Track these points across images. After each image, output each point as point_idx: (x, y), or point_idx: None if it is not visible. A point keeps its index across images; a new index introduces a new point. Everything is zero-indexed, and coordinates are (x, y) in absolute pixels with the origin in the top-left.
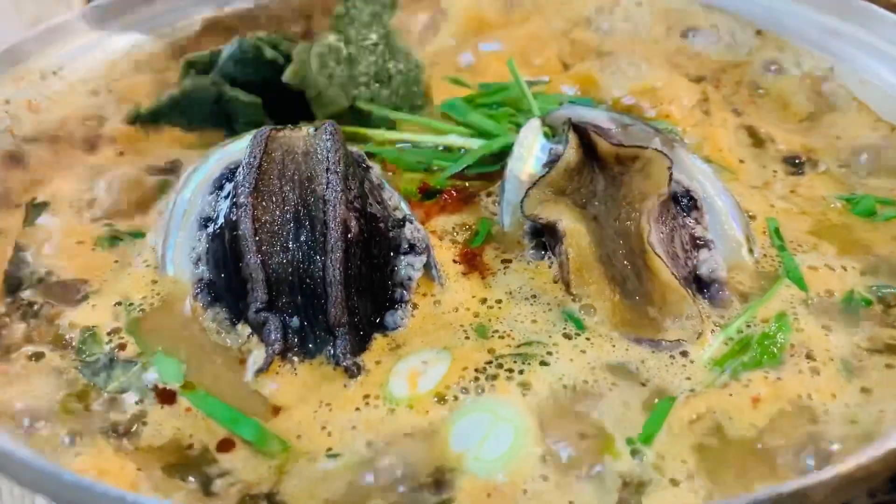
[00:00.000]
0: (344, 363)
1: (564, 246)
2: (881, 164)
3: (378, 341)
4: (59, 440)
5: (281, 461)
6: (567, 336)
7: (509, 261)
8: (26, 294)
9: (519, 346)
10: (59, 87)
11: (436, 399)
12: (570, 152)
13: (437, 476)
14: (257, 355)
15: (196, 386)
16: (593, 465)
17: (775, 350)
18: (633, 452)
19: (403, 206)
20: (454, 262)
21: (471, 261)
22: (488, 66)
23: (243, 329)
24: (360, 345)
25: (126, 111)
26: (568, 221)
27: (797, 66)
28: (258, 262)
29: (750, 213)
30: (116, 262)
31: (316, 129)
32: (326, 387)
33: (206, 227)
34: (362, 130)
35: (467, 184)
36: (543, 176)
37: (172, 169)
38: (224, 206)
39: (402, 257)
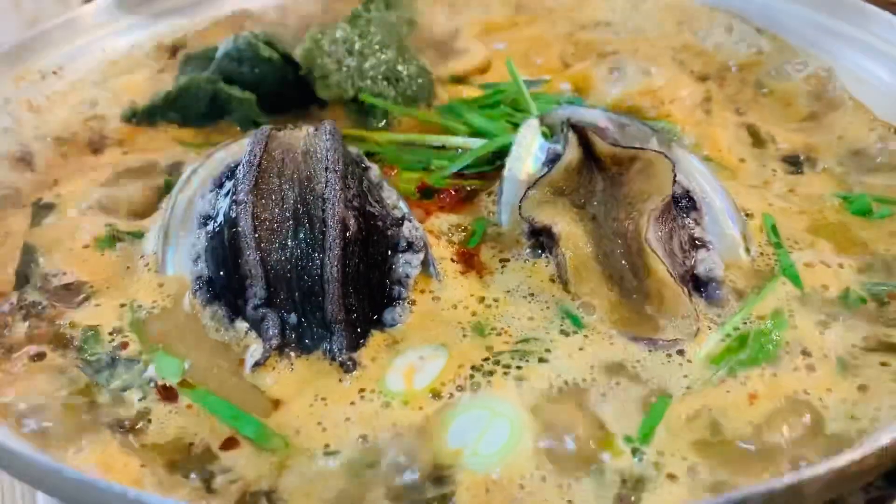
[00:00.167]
0: (339, 358)
1: (560, 248)
2: (880, 163)
3: (375, 338)
4: (62, 438)
5: (281, 458)
6: (565, 333)
7: (507, 260)
8: (32, 294)
9: (517, 344)
10: (59, 87)
11: (431, 395)
12: (571, 152)
13: (435, 472)
14: (255, 350)
15: (197, 383)
16: (592, 461)
17: (771, 347)
18: (632, 450)
19: (402, 204)
20: (452, 260)
21: (468, 260)
22: (492, 65)
23: (241, 325)
24: (357, 341)
25: (124, 113)
26: (563, 225)
27: (800, 66)
28: (257, 258)
29: (748, 212)
30: (120, 262)
31: (316, 129)
32: (322, 381)
33: (206, 224)
34: (362, 131)
35: (466, 183)
36: (543, 176)
37: (174, 170)
38: (224, 203)
39: (400, 255)
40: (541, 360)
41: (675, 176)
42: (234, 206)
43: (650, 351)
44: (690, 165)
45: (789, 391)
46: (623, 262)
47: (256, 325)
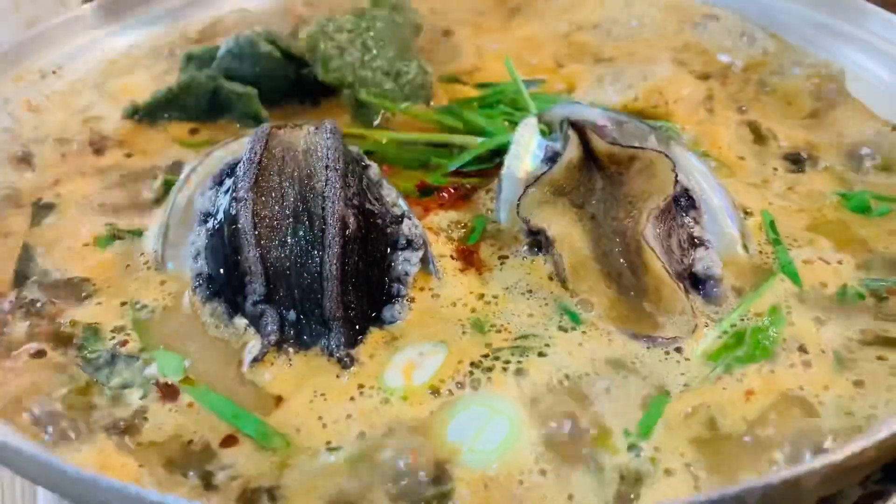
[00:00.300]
0: (337, 354)
1: (555, 249)
2: (880, 161)
3: (374, 334)
4: (62, 436)
5: (282, 457)
6: (563, 329)
7: (506, 257)
8: (32, 292)
9: (516, 340)
10: (58, 87)
11: (430, 391)
12: (572, 149)
13: (435, 468)
14: (253, 345)
15: (197, 381)
16: (591, 457)
17: (768, 343)
18: (631, 446)
19: (401, 202)
20: (451, 258)
21: (468, 257)
22: (486, 66)
23: (240, 322)
24: (355, 338)
25: (125, 110)
26: (558, 228)
27: (802, 65)
28: (257, 255)
29: (747, 210)
30: (120, 260)
31: (316, 128)
32: (321, 378)
33: (206, 221)
34: (362, 129)
35: (465, 181)
36: (544, 174)
37: (174, 169)
38: (224, 200)
39: (400, 253)
40: (540, 354)
41: (676, 176)
42: (234, 203)
43: (648, 348)
44: (689, 163)
45: (786, 387)
46: (622, 260)
47: (255, 322)
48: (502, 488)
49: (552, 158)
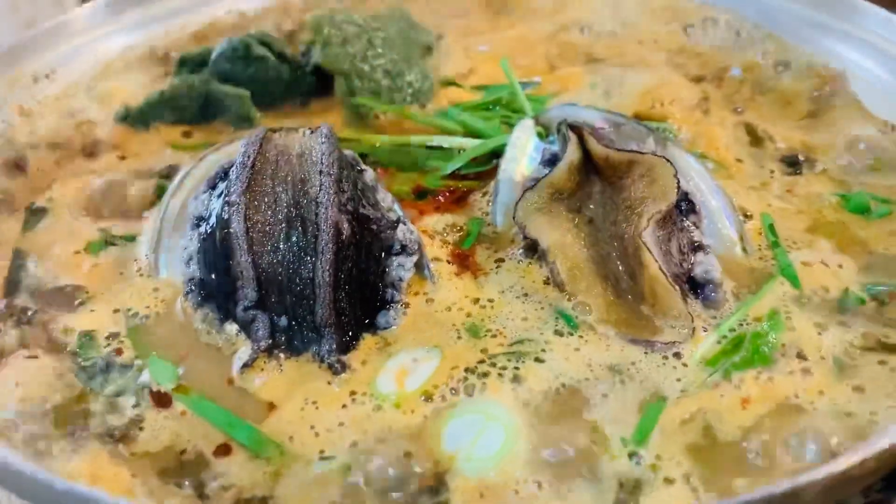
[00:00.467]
0: (328, 360)
1: (549, 258)
2: (879, 161)
3: (367, 340)
4: (54, 445)
5: (276, 467)
6: (559, 334)
7: (502, 260)
8: (24, 300)
9: (511, 345)
10: (52, 91)
11: (423, 397)
12: (572, 152)
13: (430, 477)
14: (243, 351)
15: (191, 388)
16: (588, 465)
17: (766, 350)
18: (629, 453)
19: (396, 207)
20: (447, 262)
21: (463, 261)
22: (477, 68)
23: (231, 327)
24: (347, 344)
25: (118, 114)
26: (552, 238)
27: (799, 65)
28: (249, 260)
29: (747, 213)
30: (114, 267)
31: (311, 132)
32: (312, 384)
33: (199, 226)
34: (357, 133)
35: (461, 184)
36: (544, 177)
37: (167, 174)
38: (216, 204)
39: (394, 258)
40: (537, 359)
41: (678, 181)
42: (226, 208)
43: (646, 353)
44: (687, 165)
45: (784, 394)
46: (619, 264)
47: (246, 328)
48: (498, 497)
49: (550, 161)
